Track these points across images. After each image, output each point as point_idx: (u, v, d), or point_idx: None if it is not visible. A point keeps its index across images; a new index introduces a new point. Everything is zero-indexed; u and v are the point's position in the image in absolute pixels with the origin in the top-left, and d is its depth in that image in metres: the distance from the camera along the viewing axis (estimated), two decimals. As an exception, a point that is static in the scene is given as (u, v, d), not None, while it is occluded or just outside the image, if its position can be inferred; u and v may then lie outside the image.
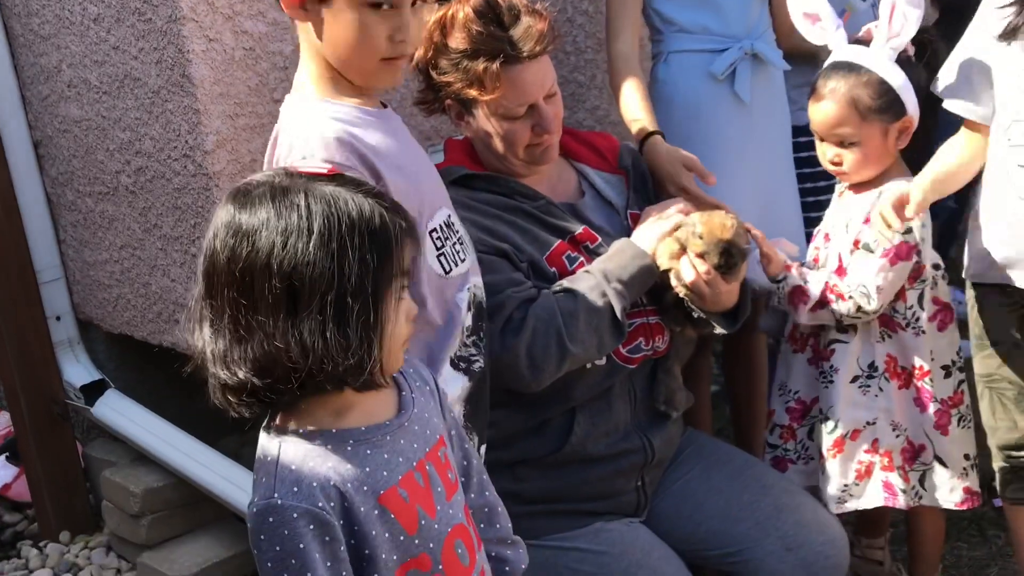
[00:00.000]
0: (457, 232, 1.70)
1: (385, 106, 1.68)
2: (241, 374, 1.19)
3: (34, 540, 2.77)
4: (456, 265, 1.66)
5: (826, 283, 2.06)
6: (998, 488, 2.18)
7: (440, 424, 1.41)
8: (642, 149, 2.19)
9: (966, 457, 2.14)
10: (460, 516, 1.38)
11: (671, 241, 1.96)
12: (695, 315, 2.01)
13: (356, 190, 1.24)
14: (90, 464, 2.80)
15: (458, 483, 1.40)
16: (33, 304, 2.65)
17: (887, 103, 2.02)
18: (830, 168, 2.12)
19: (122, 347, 2.77)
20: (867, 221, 2.07)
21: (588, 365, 1.97)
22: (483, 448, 1.78)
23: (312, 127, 1.54)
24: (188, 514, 2.57)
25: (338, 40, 1.55)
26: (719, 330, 2.04)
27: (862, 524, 2.39)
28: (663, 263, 1.97)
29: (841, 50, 2.08)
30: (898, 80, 2.02)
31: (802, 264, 2.17)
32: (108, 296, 2.61)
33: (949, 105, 1.97)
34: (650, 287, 2.00)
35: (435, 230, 1.63)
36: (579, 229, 2.03)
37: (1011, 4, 1.83)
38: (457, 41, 1.88)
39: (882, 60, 2.02)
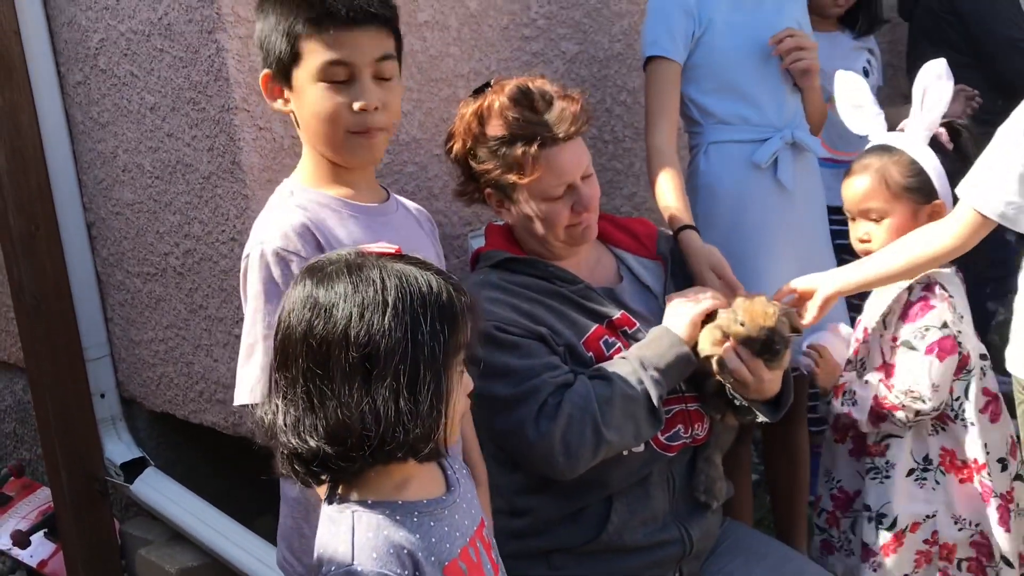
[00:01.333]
0: None
1: (388, 196, 1.75)
2: (313, 442, 1.23)
3: (68, 618, 2.76)
4: None
5: (872, 403, 2.04)
6: None
7: (480, 508, 1.42)
8: (676, 239, 2.22)
9: (1020, 556, 2.09)
10: None
11: (713, 328, 1.96)
12: (737, 403, 2.00)
13: (422, 268, 1.30)
14: (126, 542, 2.81)
15: (500, 565, 1.41)
16: (79, 381, 2.69)
17: (918, 183, 2.06)
18: (859, 247, 2.14)
19: (163, 425, 2.80)
20: (906, 318, 2.06)
21: (626, 452, 1.95)
22: None
23: (276, 215, 1.62)
24: (222, 596, 2.57)
25: (307, 118, 1.64)
26: (761, 418, 2.02)
27: None
28: (705, 350, 1.97)
29: (879, 136, 2.11)
30: (930, 163, 2.06)
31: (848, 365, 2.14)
32: (152, 375, 2.65)
33: (976, 204, 1.94)
34: (691, 374, 2.00)
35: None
36: (617, 314, 2.04)
37: None
38: (495, 129, 1.93)
39: (916, 142, 2.07)
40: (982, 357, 2.10)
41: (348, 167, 1.68)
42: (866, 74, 3.09)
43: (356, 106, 1.59)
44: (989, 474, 2.05)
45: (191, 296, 2.41)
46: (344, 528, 1.26)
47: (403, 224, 1.76)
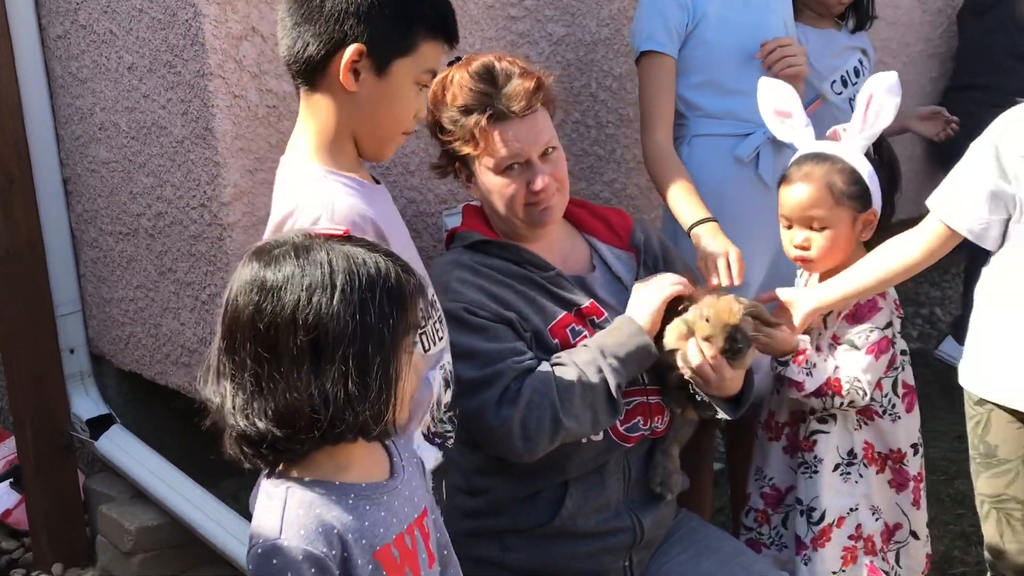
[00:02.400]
0: (438, 311, 1.73)
1: (378, 182, 1.74)
2: (262, 425, 1.23)
3: (27, 569, 2.78)
4: (435, 344, 1.69)
5: (828, 378, 2.07)
6: None
7: (425, 496, 1.43)
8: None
9: (927, 525, 2.24)
10: None
11: (679, 322, 1.97)
12: (698, 398, 2.01)
13: (371, 250, 1.29)
14: (90, 497, 2.82)
15: (436, 555, 1.42)
16: (49, 335, 2.69)
17: (858, 191, 2.08)
18: (795, 254, 2.15)
19: (132, 384, 2.81)
20: (847, 318, 2.10)
21: (584, 440, 1.97)
22: None
23: (324, 196, 1.57)
24: (180, 556, 2.59)
25: (380, 111, 1.62)
26: (721, 415, 2.04)
27: None
28: (670, 343, 1.98)
29: (810, 145, 2.14)
30: (867, 171, 2.08)
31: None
32: (121, 333, 2.65)
33: (947, 219, 1.98)
34: (654, 367, 2.01)
35: (428, 299, 1.65)
36: (586, 303, 2.04)
37: None
38: (453, 99, 1.95)
39: (854, 151, 2.08)
40: (903, 353, 2.17)
41: (373, 157, 1.70)
42: (857, 73, 3.09)
43: (420, 115, 1.68)
44: (906, 461, 2.14)
45: (161, 258, 2.41)
46: (277, 503, 1.27)
47: (393, 205, 1.76)
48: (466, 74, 1.95)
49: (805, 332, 2.13)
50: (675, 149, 2.52)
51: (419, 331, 1.62)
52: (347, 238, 1.31)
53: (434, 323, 1.69)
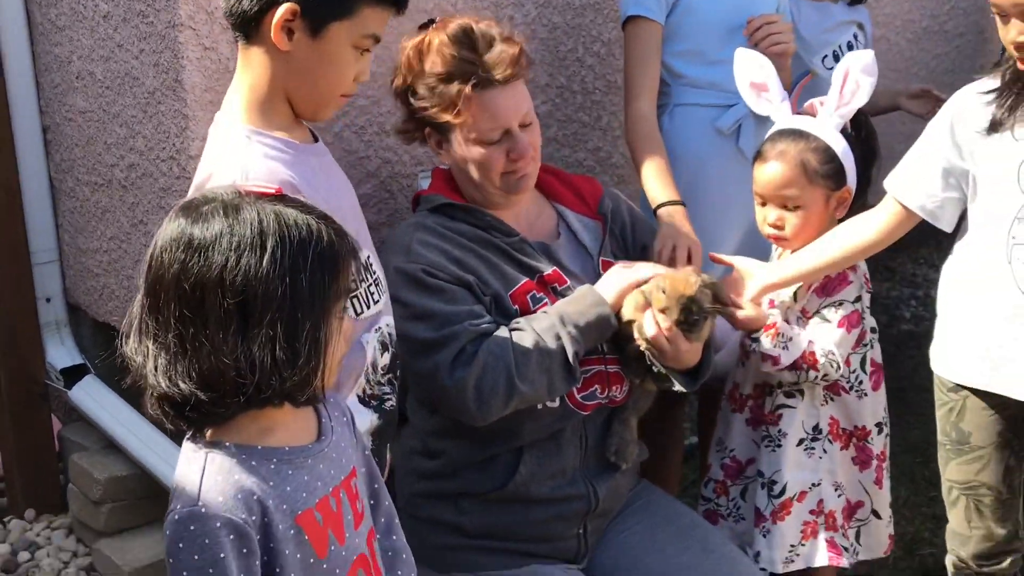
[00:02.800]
0: (374, 274, 1.72)
1: (316, 139, 1.71)
2: (185, 387, 1.20)
3: (0, 515, 2.81)
4: (368, 307, 1.68)
5: (803, 352, 2.05)
6: None
7: (354, 455, 1.42)
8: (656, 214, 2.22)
9: (890, 505, 2.24)
10: (364, 547, 1.39)
11: (637, 294, 1.96)
12: (655, 369, 2.00)
13: (304, 211, 1.27)
14: (65, 446, 2.84)
15: (365, 514, 1.41)
16: (25, 283, 2.70)
17: (833, 170, 2.06)
18: (769, 232, 2.14)
19: (108, 335, 2.81)
20: (816, 291, 2.08)
21: (540, 406, 1.96)
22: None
23: (240, 160, 1.55)
24: (148, 506, 2.60)
25: (314, 72, 1.59)
26: (678, 387, 2.03)
27: None
28: (628, 314, 1.97)
29: (785, 120, 2.11)
30: (842, 149, 2.06)
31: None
32: (96, 284, 2.66)
33: (900, 197, 1.97)
34: (613, 337, 2.00)
35: (361, 263, 1.64)
36: (549, 270, 2.03)
37: (994, 94, 1.81)
38: (432, 65, 1.91)
39: (829, 128, 2.06)
40: (872, 330, 2.16)
41: (312, 119, 1.68)
42: (851, 48, 3.04)
43: (362, 78, 1.66)
44: (871, 439, 2.15)
45: (133, 210, 2.41)
46: (196, 468, 1.26)
47: (333, 164, 1.74)
48: (445, 38, 1.91)
49: (771, 307, 2.11)
50: (658, 118, 2.49)
51: (351, 295, 1.62)
52: (279, 197, 1.28)
53: (368, 286, 1.69)
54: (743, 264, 2.12)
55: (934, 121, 1.93)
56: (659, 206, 2.22)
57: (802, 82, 2.48)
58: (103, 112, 2.41)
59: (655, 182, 2.26)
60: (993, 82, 1.84)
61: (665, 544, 2.06)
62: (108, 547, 2.54)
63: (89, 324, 2.81)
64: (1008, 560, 2.09)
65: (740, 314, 2.07)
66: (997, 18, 1.75)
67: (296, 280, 1.20)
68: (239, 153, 1.56)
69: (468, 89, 1.88)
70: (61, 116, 2.59)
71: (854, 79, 2.01)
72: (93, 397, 2.69)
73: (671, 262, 2.08)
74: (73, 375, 2.76)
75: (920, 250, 4.40)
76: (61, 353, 2.77)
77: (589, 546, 2.08)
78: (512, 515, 2.02)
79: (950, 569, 2.16)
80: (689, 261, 2.08)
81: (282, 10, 1.54)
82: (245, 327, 1.20)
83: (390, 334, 1.75)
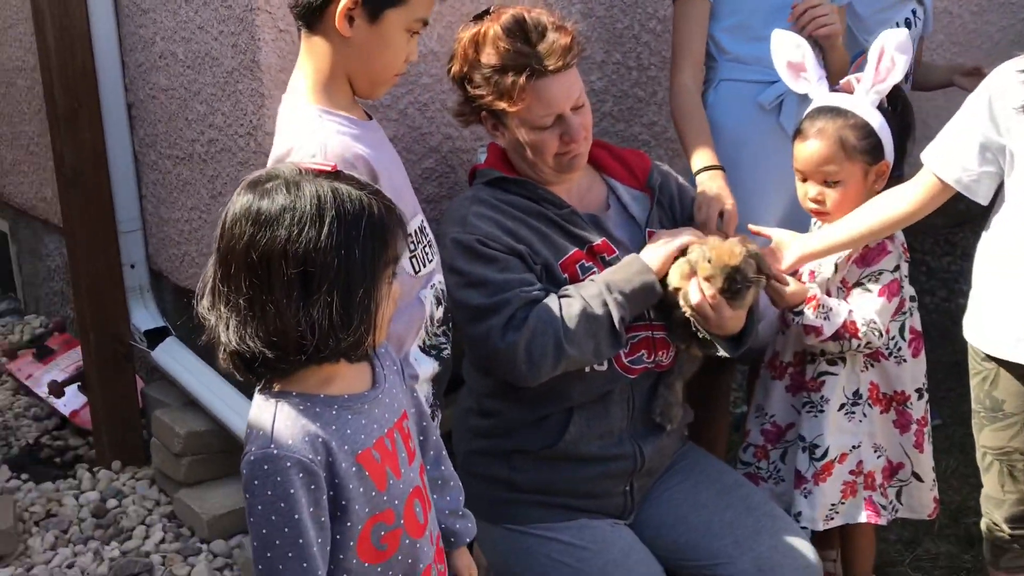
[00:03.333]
0: (427, 236, 1.85)
1: (370, 118, 1.85)
2: (254, 346, 1.34)
3: (90, 465, 3.03)
4: (424, 266, 1.82)
5: (844, 321, 2.12)
6: (989, 557, 2.24)
7: (405, 400, 1.57)
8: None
9: (933, 470, 2.30)
10: (418, 480, 1.53)
11: (683, 262, 2.05)
12: (700, 336, 2.10)
13: (357, 186, 1.39)
14: (148, 403, 3.05)
15: (417, 452, 1.55)
16: (112, 251, 2.89)
17: (870, 145, 2.11)
18: (810, 207, 2.21)
19: (187, 299, 2.98)
20: (856, 261, 2.14)
21: (588, 369, 2.07)
22: (439, 416, 1.96)
23: (319, 136, 1.70)
24: (224, 460, 2.79)
25: (372, 55, 1.74)
26: (722, 353, 2.12)
27: (814, 538, 2.46)
28: (674, 282, 2.06)
29: (823, 98, 2.17)
30: (879, 123, 2.11)
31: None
32: (177, 252, 2.83)
33: (937, 170, 2.01)
34: (659, 303, 2.10)
35: (410, 235, 1.77)
36: (598, 240, 2.13)
37: None
38: (488, 56, 2.01)
39: (866, 105, 2.12)
40: (911, 299, 2.22)
41: (368, 97, 1.85)
42: (909, 25, 3.06)
43: (412, 59, 1.82)
44: (910, 404, 2.22)
45: (212, 182, 2.57)
46: (267, 415, 1.40)
47: (386, 141, 1.88)
48: (499, 30, 2.01)
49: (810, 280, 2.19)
50: (704, 92, 2.56)
51: (408, 256, 1.75)
52: (335, 174, 1.40)
53: (424, 248, 1.82)
54: (780, 235, 2.19)
55: (973, 96, 1.97)
56: (698, 172, 2.31)
57: (857, 61, 2.53)
58: (184, 90, 2.57)
59: (695, 148, 2.35)
60: None
61: (709, 501, 2.16)
62: (188, 496, 2.74)
63: (170, 289, 3.00)
64: None
65: (783, 288, 2.14)
66: None
67: (351, 251, 1.33)
68: (316, 130, 1.72)
69: (522, 80, 1.98)
70: (145, 93, 2.76)
71: (889, 56, 2.07)
72: (174, 357, 2.87)
73: (704, 226, 2.17)
74: (155, 337, 2.95)
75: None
76: (144, 316, 2.96)
77: (635, 503, 2.19)
78: (562, 472, 2.13)
79: (984, 532, 2.22)
80: (721, 219, 2.17)
81: (345, 0, 1.68)
82: (306, 294, 1.33)
83: (443, 290, 1.90)
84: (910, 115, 2.22)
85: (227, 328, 1.36)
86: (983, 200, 1.99)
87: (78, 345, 3.34)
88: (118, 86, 2.81)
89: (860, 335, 2.11)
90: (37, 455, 3.11)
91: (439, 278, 1.91)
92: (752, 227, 2.26)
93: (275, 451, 1.36)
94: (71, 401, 3.21)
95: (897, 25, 3.03)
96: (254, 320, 1.34)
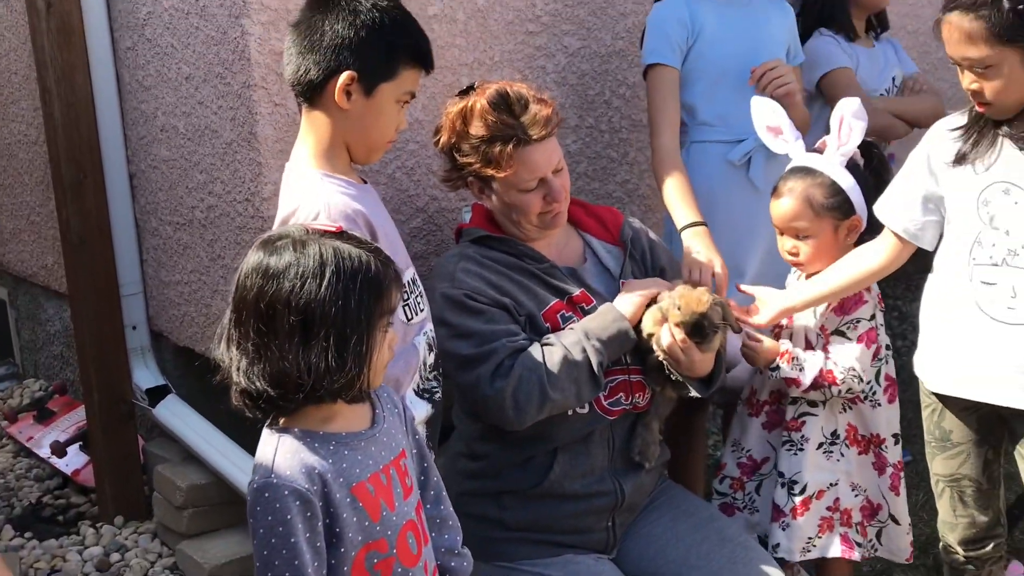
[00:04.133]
0: (418, 287, 2.03)
1: (365, 182, 2.03)
2: (259, 385, 1.50)
3: (93, 521, 3.12)
4: (416, 314, 1.99)
5: (820, 370, 2.28)
6: None
7: (404, 440, 1.71)
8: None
9: (918, 510, 2.42)
10: (413, 514, 1.67)
11: (655, 310, 2.22)
12: (673, 378, 2.25)
13: (357, 245, 1.56)
14: (149, 459, 3.15)
15: (414, 488, 1.69)
16: (115, 313, 3.03)
17: (838, 202, 2.28)
18: (788, 259, 2.38)
19: (187, 358, 3.13)
20: (834, 310, 2.31)
21: (571, 412, 2.22)
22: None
23: (322, 197, 1.88)
24: (225, 511, 2.89)
25: (368, 124, 1.94)
26: (694, 393, 2.27)
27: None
28: (647, 328, 2.23)
29: (799, 157, 2.35)
30: (847, 183, 2.29)
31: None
32: (177, 312, 2.98)
33: (886, 221, 2.19)
34: (635, 349, 2.25)
35: (403, 286, 1.93)
36: (577, 291, 2.29)
37: (960, 131, 2.04)
38: (476, 128, 2.19)
39: (833, 165, 2.30)
40: (887, 348, 2.37)
41: (363, 163, 2.03)
42: (891, 92, 3.30)
43: (401, 128, 2.01)
44: (886, 447, 2.35)
45: (212, 246, 2.72)
46: (270, 448, 1.55)
47: (380, 201, 2.05)
48: (486, 104, 2.19)
49: (778, 336, 2.36)
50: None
51: (402, 304, 1.90)
52: (339, 234, 1.57)
53: (416, 297, 1.99)
54: (762, 292, 2.37)
55: (915, 152, 2.16)
56: (683, 228, 2.49)
57: None
58: (185, 160, 2.74)
59: (679, 205, 2.54)
60: (961, 119, 2.07)
61: (686, 535, 2.29)
62: (190, 547, 2.83)
63: (170, 349, 3.13)
64: (991, 544, 2.29)
65: (757, 346, 2.30)
66: (957, 67, 1.99)
67: (347, 303, 1.49)
68: (319, 192, 1.90)
69: (509, 149, 2.16)
70: (146, 164, 2.93)
71: (848, 124, 2.27)
72: (175, 414, 2.99)
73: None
74: (156, 395, 3.07)
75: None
76: (145, 375, 3.09)
77: (617, 538, 2.32)
78: (548, 510, 2.26)
79: (943, 555, 2.37)
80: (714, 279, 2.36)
81: (344, 76, 1.88)
82: (305, 339, 1.49)
83: (433, 338, 2.07)
84: (885, 170, 2.39)
85: (238, 369, 1.51)
86: (928, 246, 2.17)
87: (78, 407, 3.45)
88: (121, 157, 2.97)
89: (839, 382, 2.26)
90: (40, 514, 3.20)
91: (430, 326, 2.07)
92: (741, 287, 2.43)
93: (275, 480, 1.51)
94: (73, 460, 3.31)
95: (894, 80, 3.28)
96: (260, 361, 1.50)
